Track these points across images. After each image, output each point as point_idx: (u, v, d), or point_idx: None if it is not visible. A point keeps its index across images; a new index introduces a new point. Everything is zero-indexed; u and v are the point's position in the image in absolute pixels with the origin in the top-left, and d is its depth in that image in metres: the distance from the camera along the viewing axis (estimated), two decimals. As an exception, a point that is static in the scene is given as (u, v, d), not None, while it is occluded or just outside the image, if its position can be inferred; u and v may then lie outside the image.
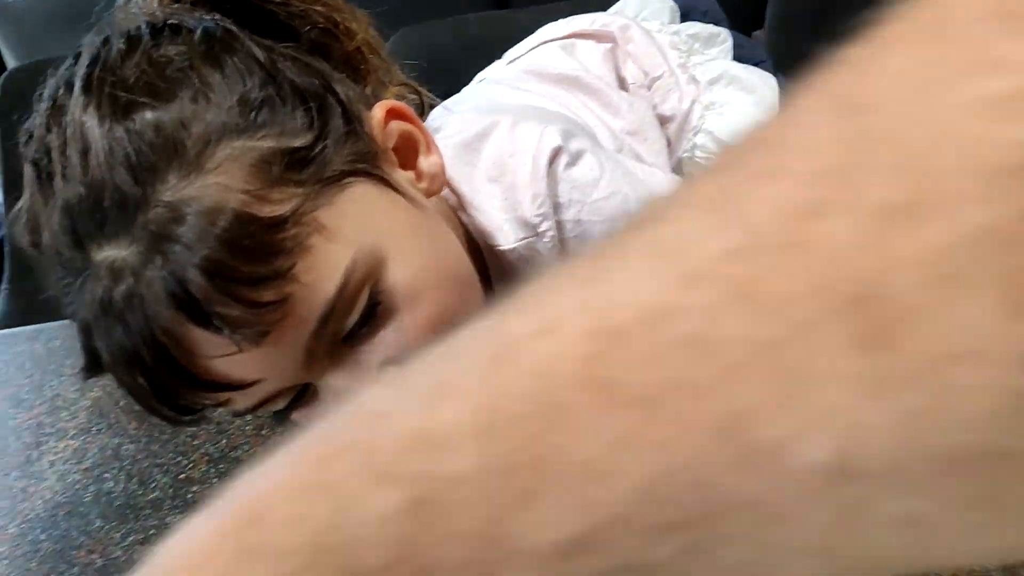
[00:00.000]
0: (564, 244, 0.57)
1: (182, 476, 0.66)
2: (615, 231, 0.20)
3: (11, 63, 2.21)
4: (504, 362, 0.19)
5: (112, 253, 0.44)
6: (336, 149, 0.48)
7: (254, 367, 0.46)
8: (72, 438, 0.72)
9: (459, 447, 0.18)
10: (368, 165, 0.49)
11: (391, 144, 0.53)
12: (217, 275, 0.42)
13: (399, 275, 0.48)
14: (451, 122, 0.62)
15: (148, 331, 0.44)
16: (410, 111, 0.55)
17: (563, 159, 0.56)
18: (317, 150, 0.47)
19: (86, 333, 0.47)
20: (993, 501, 0.15)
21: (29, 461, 0.71)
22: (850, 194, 0.15)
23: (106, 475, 0.68)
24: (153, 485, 0.66)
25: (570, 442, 0.17)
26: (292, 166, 0.46)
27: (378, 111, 0.53)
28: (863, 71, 0.17)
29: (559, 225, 0.56)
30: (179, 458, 0.68)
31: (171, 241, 0.43)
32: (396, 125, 0.53)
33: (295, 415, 0.51)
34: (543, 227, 0.56)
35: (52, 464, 0.70)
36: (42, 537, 0.63)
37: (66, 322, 0.88)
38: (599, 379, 0.17)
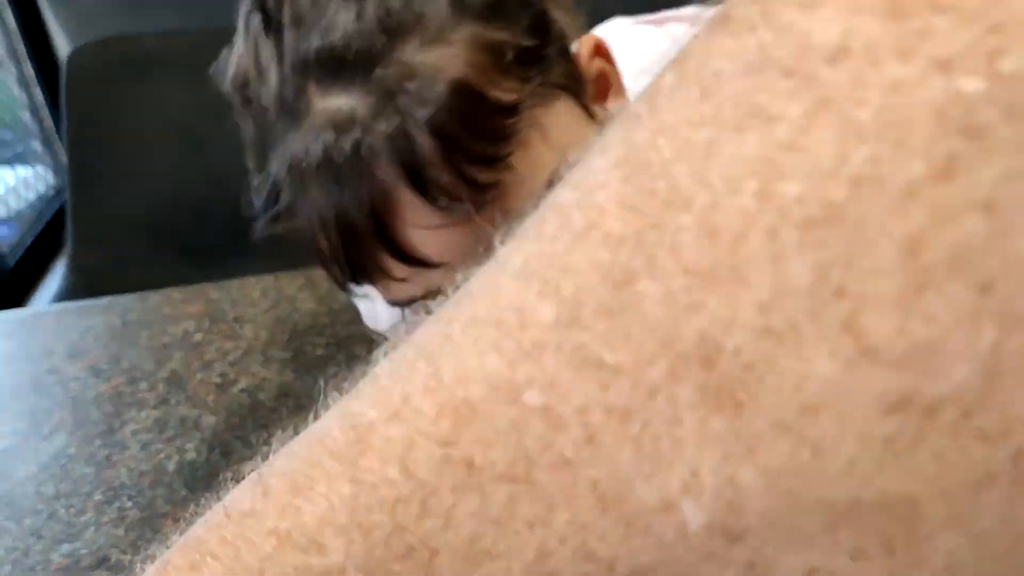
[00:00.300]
0: None
1: (266, 449, 0.66)
2: (451, 300, 0.20)
3: (62, 43, 2.23)
4: (364, 449, 0.18)
5: (341, 102, 0.45)
6: (551, 61, 0.50)
7: (449, 249, 0.48)
8: (152, 408, 0.73)
9: (330, 542, 0.18)
10: (574, 86, 0.52)
11: (591, 76, 0.55)
12: (445, 141, 0.44)
13: None
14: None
15: (364, 188, 0.45)
16: (609, 50, 0.56)
17: None
18: (541, 54, 0.49)
19: (286, 183, 0.48)
20: (884, 549, 0.15)
21: (111, 430, 0.71)
22: (654, 259, 0.15)
23: (188, 445, 0.68)
24: (235, 457, 0.66)
25: (445, 526, 0.17)
26: (522, 61, 0.47)
27: (585, 43, 0.55)
28: (644, 128, 0.17)
29: None
30: (259, 430, 0.68)
31: (406, 97, 0.44)
32: (598, 62, 0.55)
33: (395, 288, 0.52)
34: None
35: (134, 433, 0.70)
36: (128, 504, 0.63)
37: (141, 294, 0.89)
38: (461, 459, 0.17)
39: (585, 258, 0.16)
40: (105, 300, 0.89)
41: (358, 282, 0.50)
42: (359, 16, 0.46)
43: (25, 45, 2.18)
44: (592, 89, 0.55)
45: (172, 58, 1.33)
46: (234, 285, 0.88)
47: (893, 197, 0.14)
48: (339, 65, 0.45)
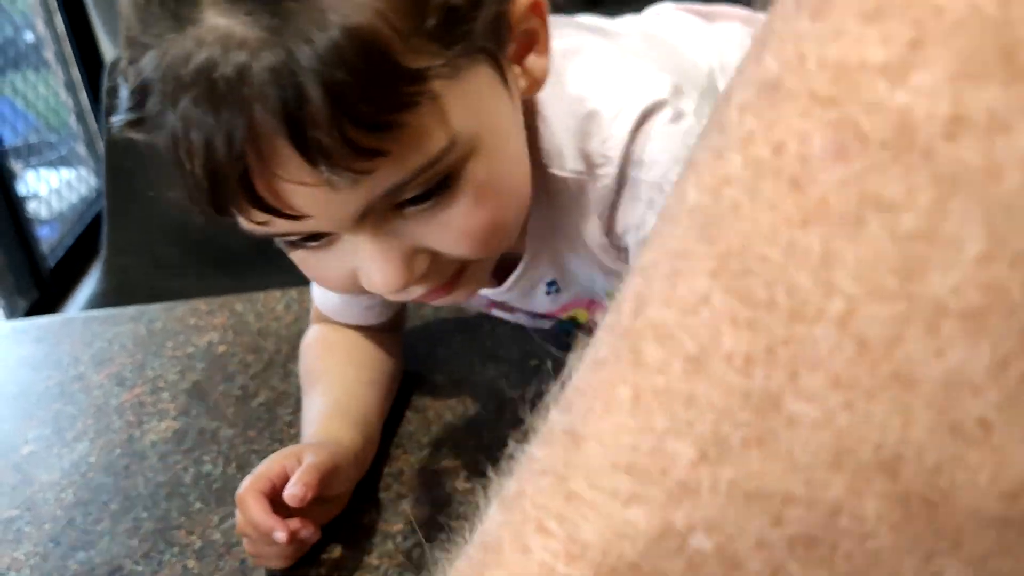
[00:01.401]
0: (622, 200, 0.54)
1: (280, 463, 0.66)
2: (541, 442, 0.19)
3: (107, 48, 2.27)
4: None
5: (233, 23, 0.40)
6: (483, 24, 0.46)
7: (315, 204, 0.44)
8: (173, 419, 0.74)
9: None
10: (498, 49, 0.48)
11: (516, 33, 0.51)
12: (335, 98, 0.40)
13: (479, 172, 0.47)
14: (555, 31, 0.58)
15: (238, 126, 0.41)
16: (547, 8, 0.52)
17: (663, 115, 0.52)
18: (468, 18, 0.45)
19: (156, 88, 0.42)
20: None
21: (132, 440, 0.72)
22: (796, 377, 0.15)
23: (205, 457, 0.69)
24: (250, 471, 0.67)
25: None
26: (445, 26, 0.43)
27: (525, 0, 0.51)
28: (732, 232, 0.16)
29: (624, 180, 0.53)
30: (275, 444, 0.68)
31: (303, 40, 0.40)
32: (532, 20, 0.51)
33: (300, 253, 0.50)
34: (602, 171, 0.53)
35: (154, 444, 0.71)
36: (143, 515, 0.64)
37: (167, 304, 0.90)
38: None
39: (712, 387, 0.15)
40: (133, 309, 0.91)
41: (216, 212, 0.45)
42: None
43: (73, 49, 2.23)
44: (516, 46, 0.51)
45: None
46: (259, 298, 0.89)
47: None
48: None
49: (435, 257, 0.49)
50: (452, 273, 0.51)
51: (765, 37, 0.16)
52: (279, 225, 0.46)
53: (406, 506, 0.61)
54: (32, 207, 2.07)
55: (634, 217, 0.54)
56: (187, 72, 0.41)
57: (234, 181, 0.42)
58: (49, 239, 2.10)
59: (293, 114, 0.40)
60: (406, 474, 0.64)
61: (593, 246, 0.57)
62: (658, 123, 0.52)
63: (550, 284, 0.62)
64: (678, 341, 0.16)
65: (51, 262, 2.04)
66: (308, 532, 0.55)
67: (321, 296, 0.72)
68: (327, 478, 0.57)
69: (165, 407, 0.75)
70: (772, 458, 0.15)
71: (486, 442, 0.66)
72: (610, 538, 0.16)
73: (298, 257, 0.51)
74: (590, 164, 0.53)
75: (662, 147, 0.52)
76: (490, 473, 0.21)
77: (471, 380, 0.73)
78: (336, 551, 0.59)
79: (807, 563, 0.15)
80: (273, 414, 0.73)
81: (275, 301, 0.88)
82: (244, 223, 0.47)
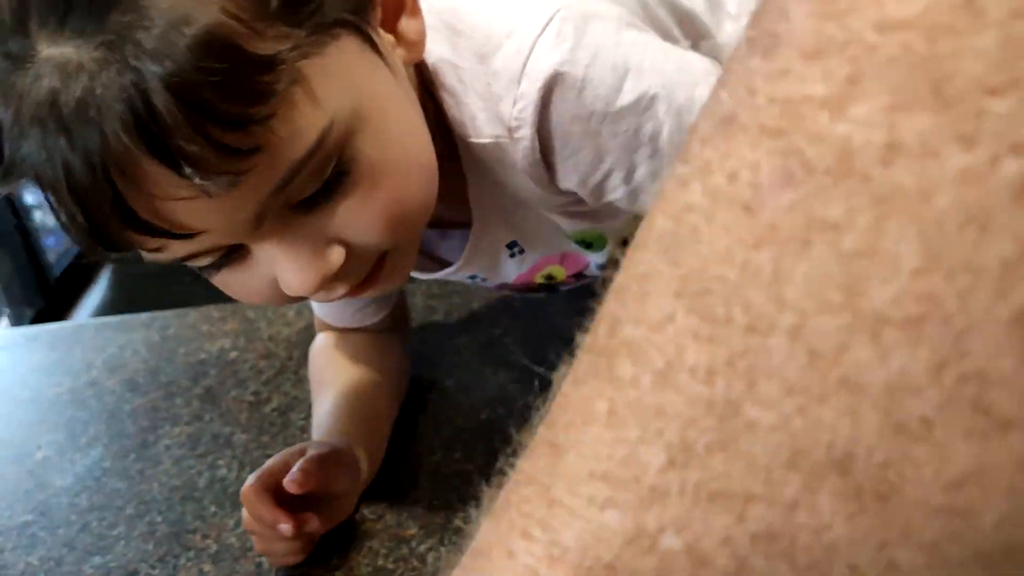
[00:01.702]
0: (558, 157, 0.51)
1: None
2: (526, 452, 0.20)
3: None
4: None
5: (67, 51, 0.38)
6: None
7: (202, 217, 0.42)
8: (186, 424, 0.74)
9: None
10: (359, 19, 0.45)
11: (382, 1, 0.48)
12: (188, 102, 0.38)
13: (370, 149, 0.44)
14: None
15: (95, 150, 0.38)
16: None
17: (574, 71, 0.48)
18: None
19: (8, 136, 0.40)
20: None
21: (145, 445, 0.73)
22: (754, 386, 0.16)
23: (219, 462, 0.69)
24: (264, 475, 0.67)
25: None
26: (291, 4, 0.41)
27: None
28: (692, 254, 0.17)
29: (551, 135, 0.50)
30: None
31: (141, 51, 0.37)
32: None
33: (219, 276, 0.48)
34: (520, 133, 0.50)
35: (168, 448, 0.72)
36: (158, 519, 0.65)
37: (179, 310, 0.91)
38: None
39: (678, 397, 0.17)
40: (145, 315, 0.91)
41: (107, 246, 0.42)
42: None
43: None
44: (381, 12, 0.48)
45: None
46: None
47: (991, 280, 0.14)
48: (66, 7, 0.38)
49: (351, 249, 0.47)
50: (373, 264, 0.49)
51: (724, 75, 0.17)
52: (177, 248, 0.44)
53: (420, 510, 0.62)
54: (38, 216, 2.08)
55: (580, 165, 0.51)
56: (33, 108, 0.39)
57: (108, 208, 0.40)
58: (55, 248, 2.11)
59: (147, 127, 0.38)
60: (420, 478, 0.65)
61: (534, 200, 0.55)
62: (567, 84, 0.48)
63: (511, 246, 0.60)
64: (648, 357, 0.17)
65: (57, 271, 2.04)
66: (314, 525, 0.56)
67: (318, 305, 0.72)
68: (328, 470, 0.57)
69: (179, 412, 0.76)
70: (734, 460, 0.16)
71: (497, 446, 0.66)
72: (587, 541, 0.18)
73: (219, 281, 0.49)
74: (507, 128, 0.50)
75: (585, 91, 0.48)
76: (482, 488, 0.22)
77: (481, 384, 0.73)
78: (351, 556, 0.59)
79: (770, 556, 0.16)
80: (286, 419, 0.73)
81: (286, 307, 0.88)
82: (143, 254, 0.44)
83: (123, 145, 0.38)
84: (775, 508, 0.16)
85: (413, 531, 0.60)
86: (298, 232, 0.45)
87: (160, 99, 0.37)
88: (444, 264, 0.62)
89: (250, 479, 0.57)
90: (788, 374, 0.16)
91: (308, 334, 0.83)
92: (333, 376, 0.69)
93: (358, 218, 0.45)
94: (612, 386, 0.18)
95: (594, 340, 0.19)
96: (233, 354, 0.83)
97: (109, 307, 1.39)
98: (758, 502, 0.16)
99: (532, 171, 0.51)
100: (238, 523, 0.63)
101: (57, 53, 0.39)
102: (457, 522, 0.60)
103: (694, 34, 0.61)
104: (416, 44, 0.49)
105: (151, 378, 0.81)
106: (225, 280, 0.49)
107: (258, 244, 0.45)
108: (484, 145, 0.51)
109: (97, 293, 1.43)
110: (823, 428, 0.15)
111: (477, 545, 0.20)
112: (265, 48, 0.40)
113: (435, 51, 0.51)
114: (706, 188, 0.17)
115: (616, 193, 0.52)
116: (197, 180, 0.39)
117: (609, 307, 0.19)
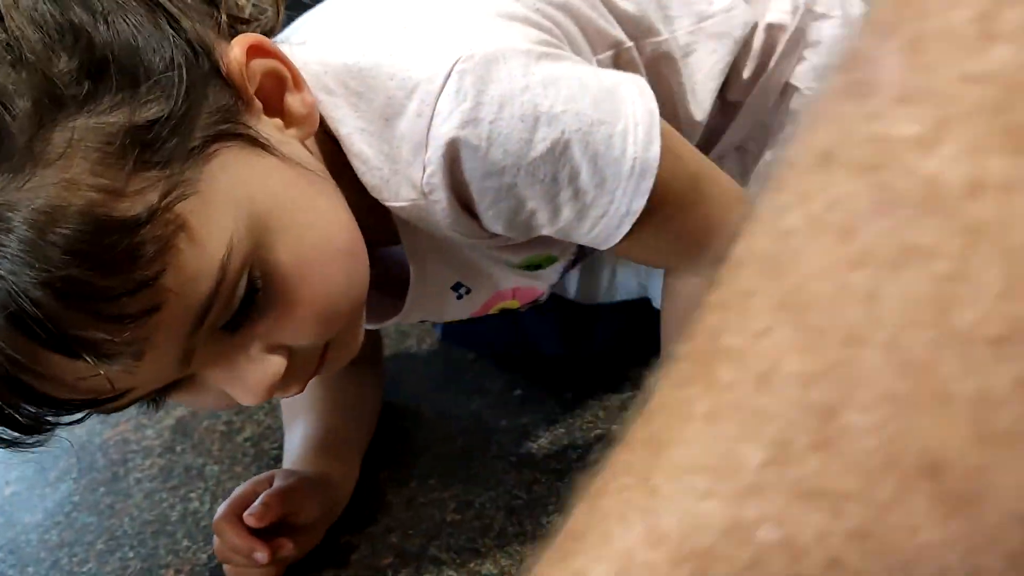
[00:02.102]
0: (478, 210, 0.48)
1: (268, 499, 0.66)
2: (628, 444, 0.21)
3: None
4: None
5: None
6: (196, 111, 0.39)
7: (124, 379, 0.39)
8: (158, 455, 0.73)
9: None
10: (233, 123, 0.42)
11: (254, 88, 0.44)
12: (69, 295, 0.35)
13: (280, 256, 0.42)
14: (324, 30, 0.50)
15: None
16: (271, 44, 0.45)
17: (477, 131, 0.45)
18: (176, 118, 0.38)
19: None
20: None
21: (116, 478, 0.72)
22: (851, 393, 0.17)
23: (191, 494, 0.69)
24: (238, 507, 0.66)
25: None
26: (150, 145, 0.37)
27: (236, 49, 0.43)
28: (791, 274, 0.19)
29: (465, 194, 0.47)
30: (262, 480, 0.68)
31: (4, 261, 0.35)
32: (259, 63, 0.44)
33: (173, 398, 0.46)
34: (434, 196, 0.47)
35: (138, 482, 0.71)
36: (130, 555, 0.64)
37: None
38: None
39: (778, 400, 0.18)
40: (115, 345, 0.90)
41: (35, 433, 0.41)
42: None
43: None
44: (262, 100, 0.44)
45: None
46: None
47: None
48: None
49: (291, 351, 0.45)
50: (319, 354, 0.47)
51: (816, 115, 0.19)
52: (114, 405, 0.41)
53: (395, 539, 0.61)
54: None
55: (502, 213, 0.48)
56: None
57: (16, 398, 0.38)
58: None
59: (36, 328, 0.35)
60: (394, 507, 0.64)
61: (468, 241, 0.52)
62: (472, 141, 0.45)
63: (456, 287, 0.57)
64: (748, 363, 0.19)
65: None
66: (288, 550, 0.57)
67: None
68: (293, 501, 0.58)
69: (150, 444, 0.75)
70: (831, 460, 0.17)
71: (473, 473, 0.66)
72: (687, 528, 0.19)
73: (175, 400, 0.47)
74: (421, 192, 0.47)
75: (492, 148, 0.45)
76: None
77: (456, 412, 0.73)
78: (326, 586, 0.59)
79: (863, 554, 0.17)
80: (259, 448, 0.72)
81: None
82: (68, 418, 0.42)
83: (16, 346, 0.36)
84: (870, 507, 0.17)
85: (388, 560, 0.60)
86: (233, 351, 0.43)
87: (35, 299, 0.35)
88: (390, 310, 0.58)
89: (221, 508, 0.58)
90: (883, 383, 0.17)
91: (281, 362, 0.82)
92: (306, 403, 0.69)
93: (289, 326, 0.43)
94: (712, 389, 0.19)
95: (693, 348, 0.20)
96: (205, 384, 0.82)
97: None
98: (854, 501, 0.17)
99: (457, 226, 0.49)
100: (212, 557, 0.62)
101: None
102: (432, 551, 0.60)
103: (637, 35, 0.57)
104: (307, 117, 0.46)
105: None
106: (181, 399, 0.47)
107: (198, 372, 0.44)
108: (402, 208, 0.48)
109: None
110: (916, 434, 0.17)
111: (571, 527, 0.21)
112: (134, 207, 0.36)
113: (338, 118, 0.47)
114: (806, 215, 0.18)
115: (544, 231, 0.51)
116: (101, 364, 0.37)
117: (708, 319, 0.20)
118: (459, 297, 0.58)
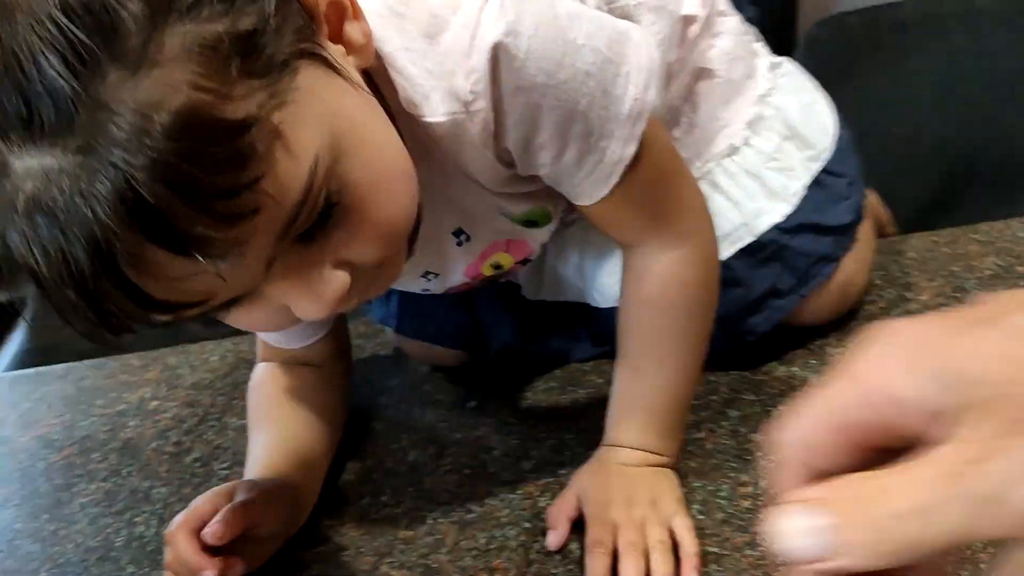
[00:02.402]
0: (503, 128, 0.51)
1: (216, 521, 0.64)
2: None
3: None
4: None
5: (44, 160, 0.37)
6: (284, 27, 0.42)
7: (216, 283, 0.41)
8: (103, 480, 0.72)
9: None
10: (310, 44, 0.44)
11: (322, 12, 0.46)
12: (178, 186, 0.37)
13: (355, 172, 0.44)
14: None
15: (97, 245, 0.37)
16: None
17: (517, 42, 0.49)
18: (266, 32, 0.41)
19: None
20: None
21: (60, 503, 0.70)
22: None
23: (137, 519, 0.67)
24: (186, 529, 0.65)
25: None
26: (247, 55, 0.39)
27: None
28: None
29: (499, 106, 0.50)
30: (211, 502, 0.67)
31: (119, 149, 0.36)
32: None
33: (229, 316, 0.48)
34: (476, 106, 0.50)
35: (83, 507, 0.69)
36: (73, 583, 0.62)
37: (98, 360, 0.88)
38: None
39: None
40: (61, 367, 0.88)
41: (117, 334, 0.42)
42: (40, 50, 0.36)
43: None
44: (327, 27, 0.47)
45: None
46: (193, 350, 0.87)
47: None
48: (26, 118, 0.37)
49: (353, 268, 0.47)
50: (374, 274, 0.49)
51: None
52: (190, 313, 0.43)
53: (347, 558, 0.60)
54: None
55: (521, 131, 0.51)
56: (24, 209, 0.37)
57: (119, 297, 0.39)
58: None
59: (144, 218, 0.37)
60: (347, 524, 0.63)
61: (482, 178, 0.55)
62: (512, 52, 0.49)
63: (457, 234, 0.60)
64: None
65: (-23, 320, 1.97)
66: (237, 571, 0.56)
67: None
68: (254, 516, 0.57)
69: (95, 468, 0.73)
70: None
71: (427, 487, 0.65)
72: None
73: (228, 319, 0.49)
74: (463, 102, 0.50)
75: (519, 73, 0.49)
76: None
77: (410, 425, 0.72)
78: (276, 608, 0.58)
79: None
80: (208, 469, 0.71)
81: (210, 352, 0.86)
82: (154, 320, 0.43)
83: (125, 237, 0.37)
84: None
85: (341, 580, 0.59)
86: (302, 263, 0.45)
87: (150, 190, 0.37)
88: None
89: (177, 519, 0.57)
90: None
91: (232, 380, 0.81)
92: (272, 412, 0.68)
93: (359, 241, 0.46)
94: None
95: None
96: (153, 403, 0.80)
97: (28, 356, 1.34)
98: None
99: (486, 140, 0.52)
100: (157, 582, 0.60)
101: (34, 164, 0.37)
102: (384, 568, 0.58)
103: None
104: (365, 47, 0.49)
105: (66, 433, 0.78)
106: (236, 318, 0.49)
107: (264, 286, 0.46)
108: (439, 124, 0.51)
109: (12, 345, 1.38)
110: None
111: None
112: (238, 111, 0.39)
113: (384, 38, 0.51)
114: None
115: (543, 170, 0.54)
116: (207, 261, 0.39)
117: None
118: (459, 243, 0.61)
